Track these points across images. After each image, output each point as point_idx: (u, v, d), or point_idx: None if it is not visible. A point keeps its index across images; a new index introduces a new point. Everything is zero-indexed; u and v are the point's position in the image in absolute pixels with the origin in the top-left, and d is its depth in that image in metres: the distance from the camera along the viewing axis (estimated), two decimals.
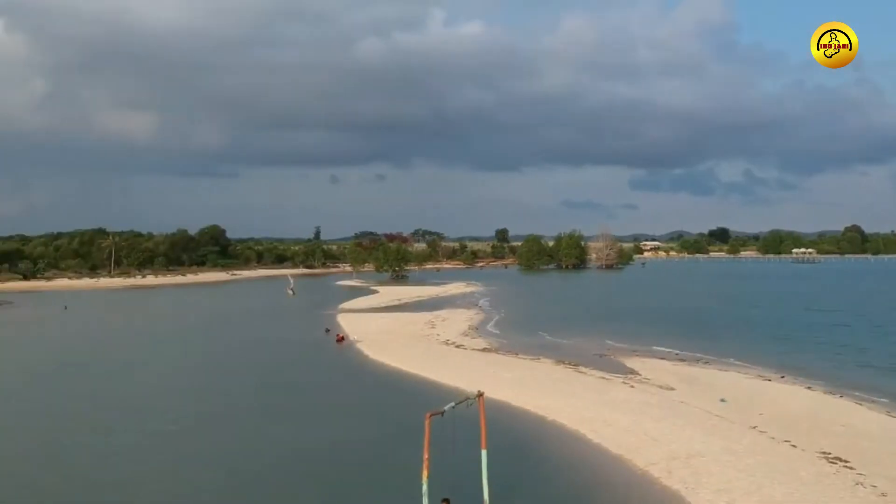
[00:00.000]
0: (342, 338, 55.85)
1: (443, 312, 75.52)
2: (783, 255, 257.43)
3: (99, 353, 52.53)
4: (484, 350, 50.11)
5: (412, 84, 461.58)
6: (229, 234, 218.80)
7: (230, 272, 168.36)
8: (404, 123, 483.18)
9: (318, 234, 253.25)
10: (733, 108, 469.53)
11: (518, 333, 59.16)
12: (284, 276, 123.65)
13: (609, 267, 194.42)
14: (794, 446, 25.77)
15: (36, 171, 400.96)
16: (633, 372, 41.21)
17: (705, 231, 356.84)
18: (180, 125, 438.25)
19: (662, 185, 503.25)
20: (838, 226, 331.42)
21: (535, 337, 57.03)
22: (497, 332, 60.75)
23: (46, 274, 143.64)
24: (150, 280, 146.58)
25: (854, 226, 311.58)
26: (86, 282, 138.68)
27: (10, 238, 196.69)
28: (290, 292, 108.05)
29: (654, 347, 50.48)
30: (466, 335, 57.88)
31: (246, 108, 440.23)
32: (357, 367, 44.92)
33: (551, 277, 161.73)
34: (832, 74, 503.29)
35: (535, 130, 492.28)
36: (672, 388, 36.40)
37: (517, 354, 47.69)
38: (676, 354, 47.52)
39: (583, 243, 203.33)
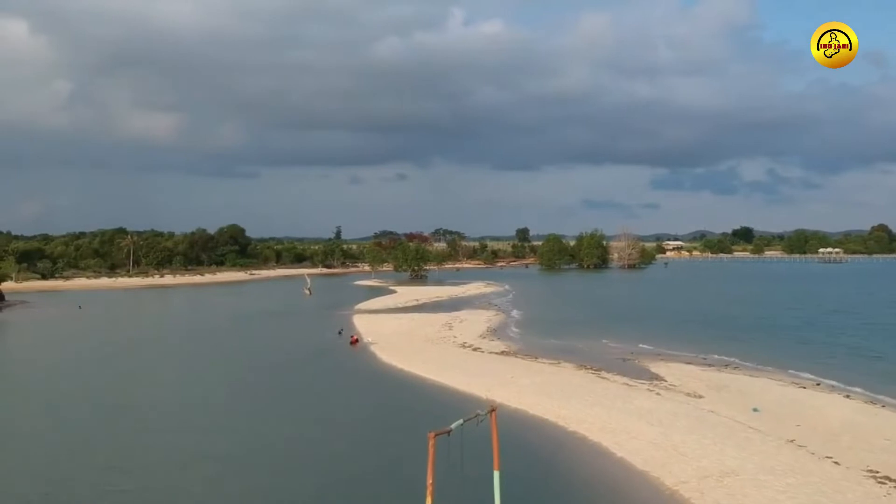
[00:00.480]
0: (356, 339, 54.22)
1: (461, 314, 73.69)
2: (809, 255, 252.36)
3: (102, 358, 51.23)
4: (502, 353, 48.21)
5: (432, 84, 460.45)
6: (250, 234, 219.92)
7: (248, 272, 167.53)
8: (424, 123, 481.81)
9: (338, 233, 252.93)
10: (756, 106, 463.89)
11: (538, 336, 57.20)
12: (302, 276, 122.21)
13: (631, 267, 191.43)
14: (836, 463, 23.67)
15: (60, 171, 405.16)
16: (658, 378, 39.14)
17: (728, 231, 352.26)
18: (202, 126, 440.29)
19: (684, 184, 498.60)
20: (863, 225, 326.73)
21: (555, 339, 55.01)
22: (517, 334, 58.85)
23: (65, 273, 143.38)
24: (168, 280, 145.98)
25: (881, 225, 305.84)
26: (104, 281, 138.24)
27: (32, 238, 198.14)
28: (307, 292, 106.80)
29: (680, 352, 48.29)
30: (484, 337, 56.03)
31: (267, 109, 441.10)
32: (368, 371, 43.22)
33: (572, 277, 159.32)
34: (856, 73, 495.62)
35: (554, 129, 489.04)
36: (700, 396, 34.31)
37: (537, 358, 45.74)
38: (704, 359, 45.30)
39: (604, 243, 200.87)
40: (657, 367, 42.27)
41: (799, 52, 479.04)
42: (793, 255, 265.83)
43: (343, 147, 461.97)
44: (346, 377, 41.66)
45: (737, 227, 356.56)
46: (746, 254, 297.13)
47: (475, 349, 49.90)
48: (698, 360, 45.20)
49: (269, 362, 46.93)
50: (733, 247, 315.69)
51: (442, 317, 70.15)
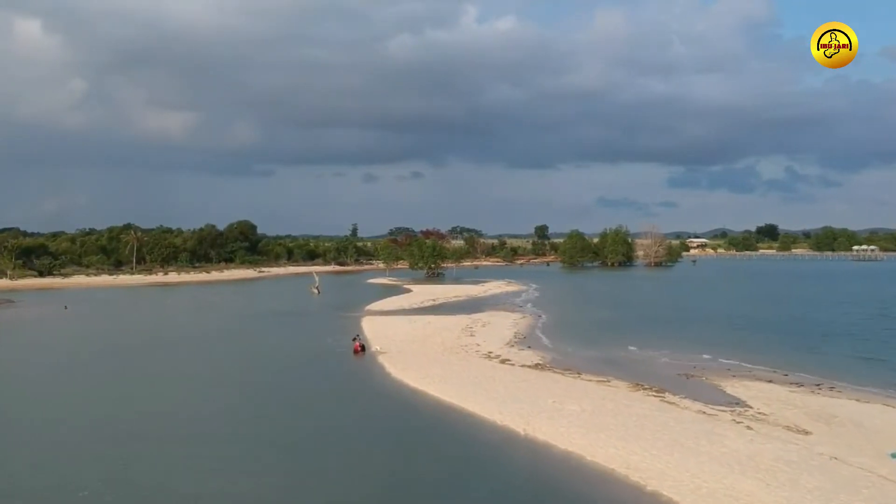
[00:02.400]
0: (361, 347, 46.07)
1: (483, 316, 65.50)
2: (842, 253, 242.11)
3: (66, 370, 43.54)
4: (536, 367, 39.98)
5: (446, 81, 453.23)
6: (267, 232, 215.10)
7: (257, 269, 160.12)
8: (438, 121, 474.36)
9: (354, 231, 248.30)
10: (774, 103, 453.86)
11: (574, 343, 48.99)
12: (310, 274, 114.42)
13: (657, 265, 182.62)
14: None
15: (75, 169, 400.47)
16: (740, 402, 30.85)
17: (747, 228, 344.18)
18: (217, 124, 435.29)
19: (701, 182, 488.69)
20: (885, 223, 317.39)
21: (595, 348, 46.87)
22: (549, 341, 50.55)
23: (64, 271, 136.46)
24: (172, 277, 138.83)
25: None
26: (104, 279, 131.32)
27: (42, 235, 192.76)
28: (315, 291, 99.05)
29: (751, 364, 39.99)
30: (512, 345, 47.88)
31: (281, 107, 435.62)
32: (373, 391, 35.00)
33: (597, 276, 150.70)
34: (876, 69, 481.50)
35: (569, 127, 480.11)
36: (807, 432, 25.99)
37: (579, 374, 37.55)
38: (785, 376, 36.85)
39: (629, 240, 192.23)
40: (732, 387, 33.98)
41: None
42: (824, 253, 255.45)
43: (358, 145, 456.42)
44: (343, 400, 33.44)
45: (755, 225, 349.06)
46: (772, 251, 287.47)
47: (503, 361, 41.72)
48: (778, 376, 36.83)
49: (253, 379, 38.93)
50: (758, 244, 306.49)
51: (462, 319, 62.03)
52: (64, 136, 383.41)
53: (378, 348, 46.28)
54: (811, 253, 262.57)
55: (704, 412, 28.99)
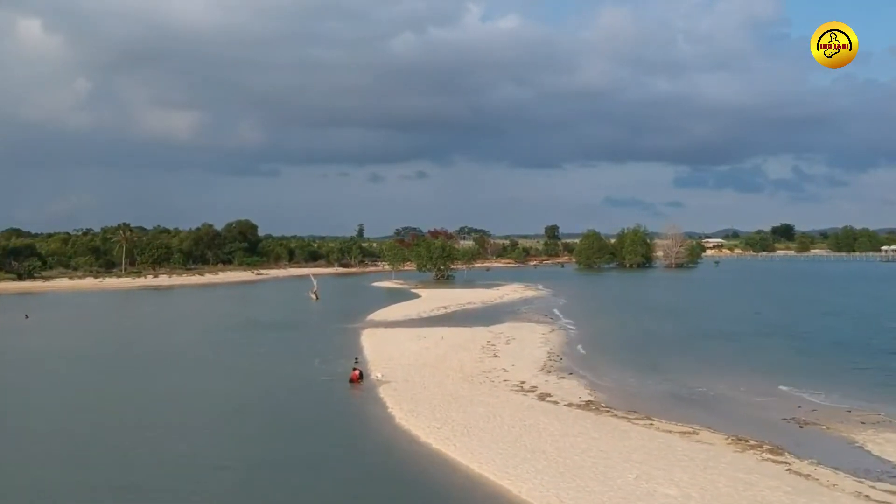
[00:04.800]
0: (359, 375, 36.23)
1: (504, 328, 55.68)
2: (868, 253, 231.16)
3: None
4: (588, 405, 30.14)
5: (449, 80, 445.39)
6: (272, 233, 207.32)
7: (255, 271, 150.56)
8: (443, 120, 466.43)
9: (361, 231, 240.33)
10: (781, 102, 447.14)
11: (625, 367, 39.21)
12: (308, 277, 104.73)
13: (678, 266, 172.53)
14: None
15: (79, 169, 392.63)
16: None
17: (759, 228, 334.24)
18: (221, 124, 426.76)
19: (708, 182, 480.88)
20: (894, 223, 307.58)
21: (653, 375, 37.12)
22: (592, 363, 40.62)
23: (45, 273, 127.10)
24: (162, 280, 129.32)
25: None
26: (87, 282, 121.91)
27: (37, 236, 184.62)
28: (313, 296, 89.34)
29: (864, 402, 30.23)
30: (548, 371, 38.02)
31: (286, 107, 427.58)
32: (368, 453, 24.61)
33: (618, 278, 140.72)
34: (884, 68, 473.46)
35: (575, 126, 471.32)
36: None
37: (650, 419, 27.69)
38: None
39: (648, 240, 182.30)
40: (875, 443, 24.30)
41: None
42: (851, 254, 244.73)
43: (362, 145, 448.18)
44: (322, 480, 23.38)
45: (763, 225, 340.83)
46: (791, 252, 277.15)
47: (542, 396, 31.88)
48: None
49: (194, 438, 28.85)
50: (775, 244, 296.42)
51: (480, 333, 52.26)
52: (68, 136, 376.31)
53: (379, 376, 36.49)
54: (835, 254, 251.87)
55: (867, 496, 19.15)
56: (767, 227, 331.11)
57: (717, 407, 30.28)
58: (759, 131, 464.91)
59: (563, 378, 36.10)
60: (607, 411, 29.11)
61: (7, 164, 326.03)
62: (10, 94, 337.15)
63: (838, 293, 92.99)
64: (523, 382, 34.77)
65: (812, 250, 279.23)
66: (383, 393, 32.86)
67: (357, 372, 36.16)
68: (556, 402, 30.63)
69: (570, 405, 30.18)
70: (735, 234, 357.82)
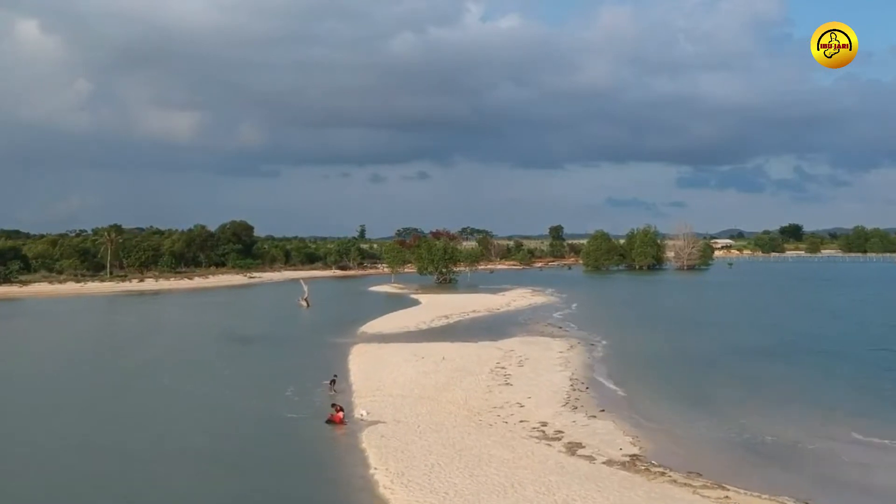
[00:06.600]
0: (339, 414, 28.92)
1: (515, 344, 48.36)
2: (886, 254, 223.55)
3: None
4: (633, 464, 22.93)
5: (450, 80, 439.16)
6: (273, 234, 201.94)
7: (247, 274, 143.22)
8: (444, 120, 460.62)
9: (363, 232, 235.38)
10: (783, 102, 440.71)
11: (665, 401, 31.99)
12: (298, 281, 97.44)
13: (690, 268, 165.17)
14: None
15: (79, 170, 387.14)
16: None
17: (765, 229, 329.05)
18: (221, 124, 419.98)
19: (710, 182, 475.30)
20: None
21: (702, 413, 29.86)
22: (627, 395, 33.31)
23: (25, 277, 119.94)
24: (148, 284, 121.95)
25: None
26: (69, 287, 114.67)
27: (21, 236, 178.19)
28: (304, 303, 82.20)
29: None
30: (574, 406, 30.72)
31: (286, 107, 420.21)
32: None
33: (631, 281, 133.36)
34: (887, 68, 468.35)
35: (576, 127, 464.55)
36: None
37: (724, 489, 20.48)
38: None
39: (658, 241, 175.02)
40: None
41: None
42: (865, 254, 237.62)
43: (363, 145, 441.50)
44: None
45: (767, 225, 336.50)
46: (801, 253, 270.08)
47: (571, 447, 24.69)
48: None
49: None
50: (784, 245, 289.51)
51: (487, 351, 45.06)
52: (68, 137, 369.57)
53: (364, 414, 29.26)
54: (848, 254, 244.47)
55: None
56: (771, 228, 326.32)
57: (798, 465, 23.23)
58: (761, 131, 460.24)
59: (594, 417, 28.88)
60: (662, 473, 21.92)
61: (9, 165, 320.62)
62: (10, 95, 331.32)
63: (870, 295, 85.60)
64: (545, 425, 27.58)
65: (823, 251, 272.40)
66: (367, 441, 25.69)
67: (338, 413, 28.80)
68: (591, 458, 23.43)
69: (610, 462, 23.00)
70: (740, 235, 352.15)
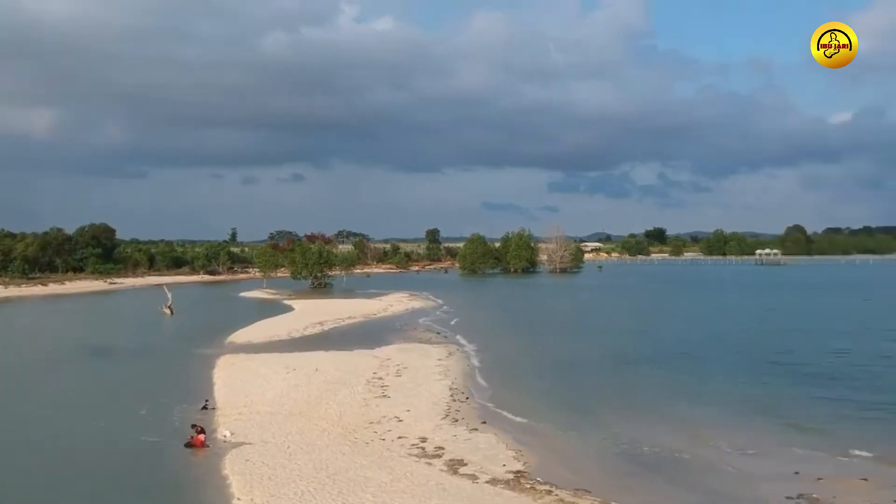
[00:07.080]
0: (201, 437, 26.21)
1: (392, 352, 46.60)
2: (744, 257, 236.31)
3: None
4: (518, 481, 21.53)
5: (325, 81, 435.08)
6: (139, 237, 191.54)
7: (107, 280, 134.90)
8: (321, 122, 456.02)
9: (234, 236, 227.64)
10: (649, 112, 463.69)
11: (549, 411, 30.90)
12: (163, 287, 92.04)
13: (563, 271, 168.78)
14: None
15: None
16: None
17: (631, 232, 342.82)
18: (82, 121, 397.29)
19: (580, 187, 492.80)
20: (753, 227, 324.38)
21: (588, 422, 29.01)
22: (508, 405, 31.98)
23: None
24: None
25: (797, 226, 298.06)
26: None
27: None
28: (168, 311, 77.40)
29: (886, 462, 23.28)
30: (455, 419, 29.22)
31: (153, 105, 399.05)
32: None
33: (507, 284, 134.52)
34: (744, 81, 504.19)
35: (453, 131, 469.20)
36: None
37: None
38: None
39: (532, 244, 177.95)
40: None
41: (691, 59, 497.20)
42: (725, 257, 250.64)
43: (236, 146, 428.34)
44: None
45: (633, 229, 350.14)
46: (665, 255, 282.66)
47: (452, 465, 23.14)
48: None
49: None
50: (650, 248, 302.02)
51: (364, 360, 43.09)
52: None
53: (228, 435, 26.69)
54: (709, 257, 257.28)
55: None
56: (637, 231, 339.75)
57: (683, 477, 22.44)
58: (628, 139, 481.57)
59: (476, 430, 27.47)
60: (549, 492, 20.63)
61: None
62: None
63: (742, 299, 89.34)
64: (424, 440, 25.94)
65: (686, 253, 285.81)
66: (230, 466, 23.21)
67: (199, 437, 26.10)
68: (473, 477, 21.93)
69: (493, 481, 21.56)
70: (608, 238, 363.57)
